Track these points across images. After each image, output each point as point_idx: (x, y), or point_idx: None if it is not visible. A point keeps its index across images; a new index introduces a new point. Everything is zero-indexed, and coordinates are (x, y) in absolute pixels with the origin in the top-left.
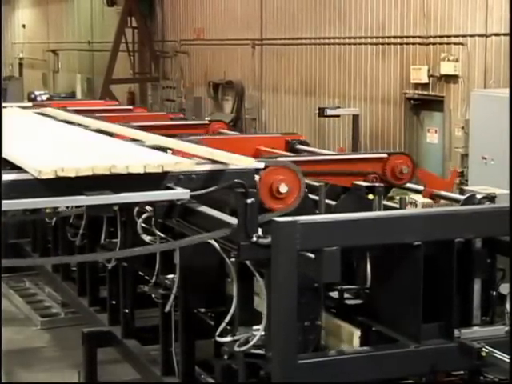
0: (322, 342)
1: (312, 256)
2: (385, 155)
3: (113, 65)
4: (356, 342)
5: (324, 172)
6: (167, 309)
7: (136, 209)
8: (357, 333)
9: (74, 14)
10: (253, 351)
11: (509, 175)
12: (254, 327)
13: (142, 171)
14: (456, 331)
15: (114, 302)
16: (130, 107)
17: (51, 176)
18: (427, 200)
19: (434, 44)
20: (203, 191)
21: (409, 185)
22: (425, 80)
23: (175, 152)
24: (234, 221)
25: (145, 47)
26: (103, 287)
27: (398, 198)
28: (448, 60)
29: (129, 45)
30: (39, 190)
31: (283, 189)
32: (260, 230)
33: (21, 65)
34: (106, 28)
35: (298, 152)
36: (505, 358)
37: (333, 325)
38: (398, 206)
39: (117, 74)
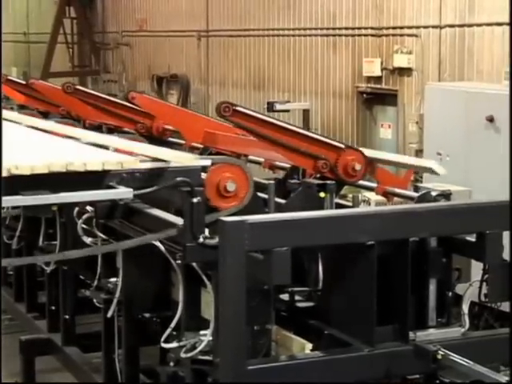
0: (273, 353)
1: (261, 257)
2: (342, 146)
3: (50, 57)
4: None
5: (275, 140)
6: (110, 314)
7: (76, 209)
8: (308, 346)
9: (7, 3)
10: (200, 357)
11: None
12: (202, 332)
13: (82, 169)
14: (411, 334)
15: (53, 308)
16: None
17: None
18: (380, 198)
19: (386, 36)
20: (147, 190)
21: (361, 182)
22: (377, 73)
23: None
24: (179, 221)
25: (84, 39)
26: (42, 292)
27: (350, 195)
28: (401, 52)
29: (67, 36)
30: None
31: (231, 187)
32: (207, 231)
33: None
34: (43, 18)
35: None
36: (461, 360)
37: (283, 337)
38: (350, 204)
39: (55, 67)
